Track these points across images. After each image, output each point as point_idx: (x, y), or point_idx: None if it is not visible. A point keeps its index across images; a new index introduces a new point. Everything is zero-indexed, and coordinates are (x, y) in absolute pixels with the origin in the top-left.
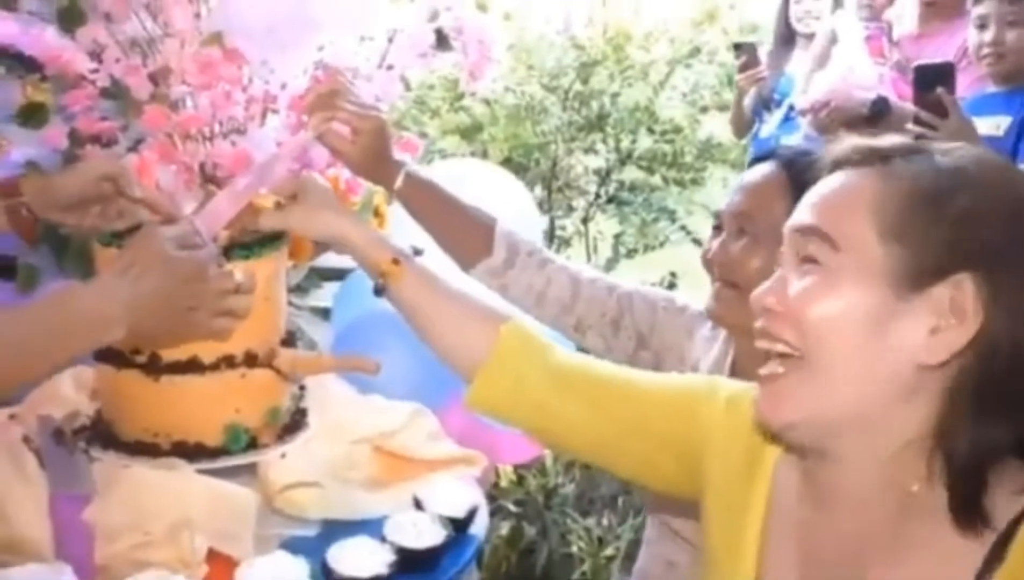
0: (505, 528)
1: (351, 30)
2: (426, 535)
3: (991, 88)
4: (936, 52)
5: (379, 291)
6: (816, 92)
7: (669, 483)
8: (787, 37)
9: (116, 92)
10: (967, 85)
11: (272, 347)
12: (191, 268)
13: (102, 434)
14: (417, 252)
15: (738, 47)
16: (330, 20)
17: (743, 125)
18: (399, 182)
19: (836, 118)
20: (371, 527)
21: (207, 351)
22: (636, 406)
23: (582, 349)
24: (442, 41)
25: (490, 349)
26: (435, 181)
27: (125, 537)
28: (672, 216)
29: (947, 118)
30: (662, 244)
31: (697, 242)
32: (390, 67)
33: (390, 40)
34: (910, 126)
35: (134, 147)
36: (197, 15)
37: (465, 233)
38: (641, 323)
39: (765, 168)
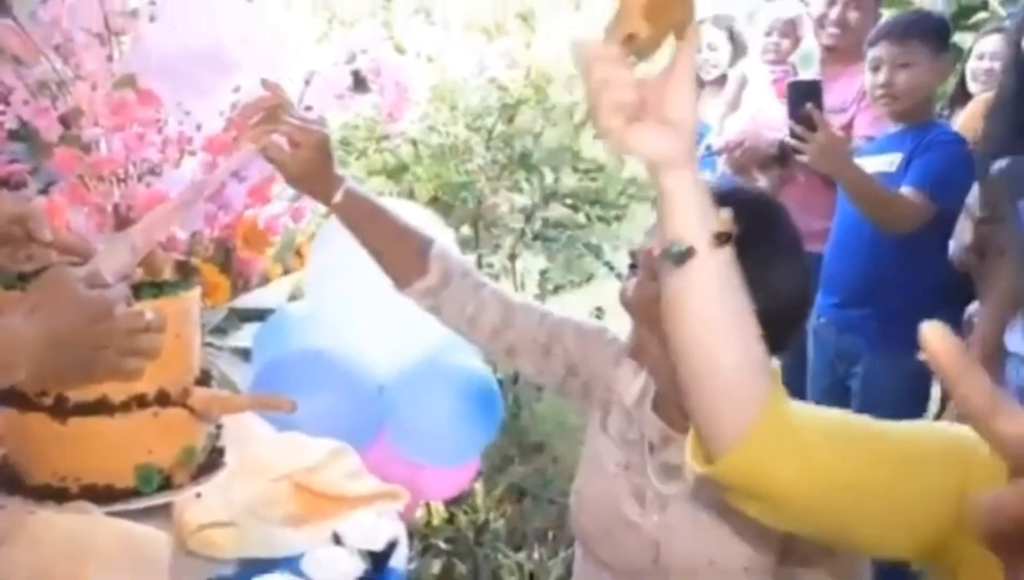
0: (436, 566)
1: (267, 72)
2: (344, 569)
3: (891, 128)
4: (837, 94)
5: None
6: (729, 133)
7: (935, 532)
8: (698, 82)
9: (24, 134)
10: (869, 122)
11: (185, 386)
12: (99, 307)
13: (7, 479)
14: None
15: None
16: (246, 62)
17: None
18: (338, 197)
19: (749, 157)
20: (289, 564)
21: (117, 391)
22: (911, 447)
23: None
24: (359, 83)
25: (764, 402)
26: (373, 198)
27: None
28: (597, 252)
29: (816, 132)
30: (588, 280)
31: (622, 278)
32: (308, 108)
33: (307, 82)
34: (786, 139)
35: (45, 189)
36: (109, 57)
37: (401, 251)
38: (571, 351)
39: None
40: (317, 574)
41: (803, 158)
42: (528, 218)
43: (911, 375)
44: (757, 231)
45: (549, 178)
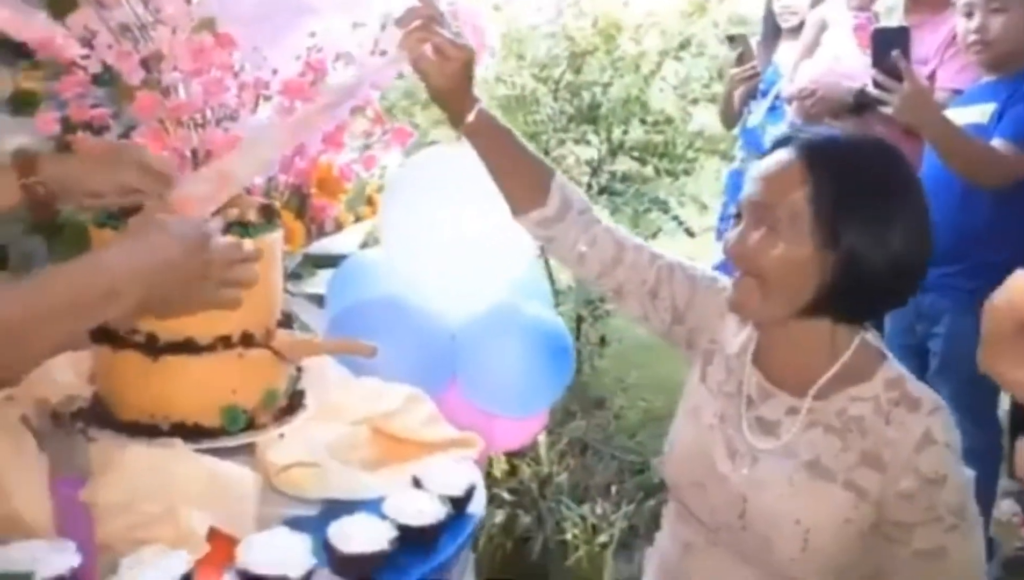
0: (500, 517)
1: (343, 16)
2: (426, 513)
3: (986, 77)
4: (922, 42)
5: None
6: (802, 80)
7: None
8: (775, 29)
9: (108, 78)
10: (953, 74)
11: (269, 328)
12: (199, 237)
13: (100, 415)
14: None
15: (732, 39)
16: (322, 6)
17: (732, 116)
18: (471, 117)
19: (822, 107)
20: (371, 507)
21: (203, 332)
22: None
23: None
24: None
25: None
26: (502, 123)
27: (122, 516)
28: (664, 206)
29: (902, 82)
30: (655, 235)
31: (689, 233)
32: (383, 53)
33: (383, 26)
34: (869, 89)
35: (126, 133)
36: (188, 1)
37: (525, 179)
38: (678, 297)
39: (783, 155)
40: (400, 517)
41: (887, 110)
42: (595, 171)
43: None
44: (879, 179)
45: (617, 131)
